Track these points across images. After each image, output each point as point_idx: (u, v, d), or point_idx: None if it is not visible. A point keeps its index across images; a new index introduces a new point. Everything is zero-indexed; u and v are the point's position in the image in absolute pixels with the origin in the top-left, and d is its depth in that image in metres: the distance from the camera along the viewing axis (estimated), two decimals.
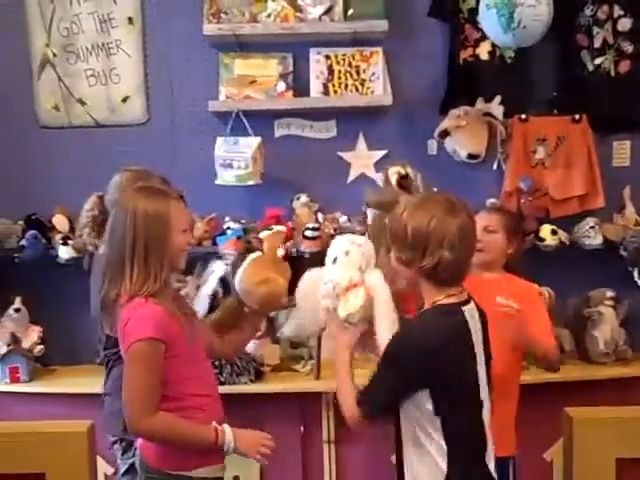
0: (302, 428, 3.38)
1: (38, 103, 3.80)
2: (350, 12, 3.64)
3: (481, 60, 3.74)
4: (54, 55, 3.79)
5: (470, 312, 2.05)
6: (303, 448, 3.38)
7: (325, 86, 3.72)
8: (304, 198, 3.70)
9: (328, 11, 3.66)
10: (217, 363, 3.17)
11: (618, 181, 3.77)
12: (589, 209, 3.72)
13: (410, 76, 3.78)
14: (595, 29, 3.70)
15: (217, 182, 3.58)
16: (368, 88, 3.70)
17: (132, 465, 2.50)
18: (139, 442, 2.26)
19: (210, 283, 3.01)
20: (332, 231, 3.57)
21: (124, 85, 3.81)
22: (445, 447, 1.98)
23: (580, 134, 3.70)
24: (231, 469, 2.40)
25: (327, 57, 3.72)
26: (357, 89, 3.71)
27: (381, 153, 3.79)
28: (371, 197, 3.04)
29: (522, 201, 3.66)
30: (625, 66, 3.71)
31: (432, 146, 3.81)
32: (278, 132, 3.81)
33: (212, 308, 2.80)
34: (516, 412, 2.74)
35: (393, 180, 3.17)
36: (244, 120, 3.61)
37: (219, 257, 3.22)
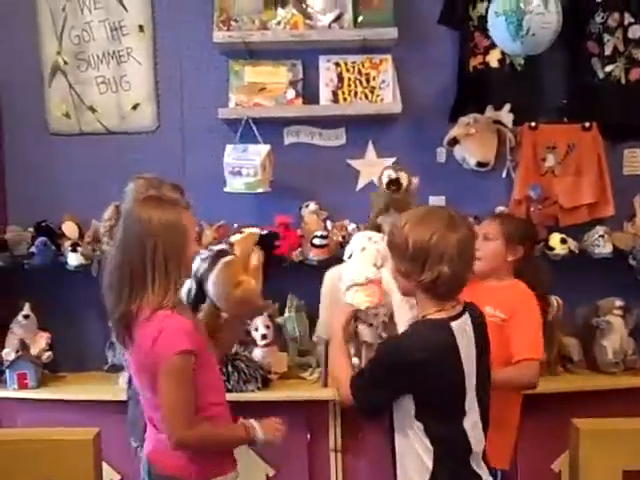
0: (309, 436, 3.37)
1: (49, 110, 3.82)
2: (360, 20, 3.64)
3: (491, 67, 3.72)
4: (65, 63, 3.81)
5: (460, 327, 2.08)
6: (310, 456, 3.37)
7: (335, 93, 3.71)
8: (313, 206, 3.70)
9: (338, 19, 3.65)
10: (224, 370, 3.18)
11: (629, 189, 3.76)
12: (599, 217, 3.71)
13: (420, 84, 3.77)
14: (606, 36, 3.68)
15: (226, 189, 3.59)
16: (378, 96, 3.70)
17: None
18: (148, 451, 2.27)
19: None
20: (341, 239, 3.57)
21: (134, 92, 3.82)
22: (431, 447, 2.05)
23: (590, 142, 3.68)
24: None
25: (337, 64, 3.72)
26: (367, 97, 3.70)
27: (390, 161, 3.78)
28: None
29: (531, 209, 3.64)
30: (636, 74, 3.68)
31: (441, 154, 3.80)
32: (287, 139, 3.81)
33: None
34: (517, 424, 2.73)
35: (383, 182, 3.20)
36: (253, 127, 3.62)
37: None
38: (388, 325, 2.41)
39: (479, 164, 3.64)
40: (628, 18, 3.66)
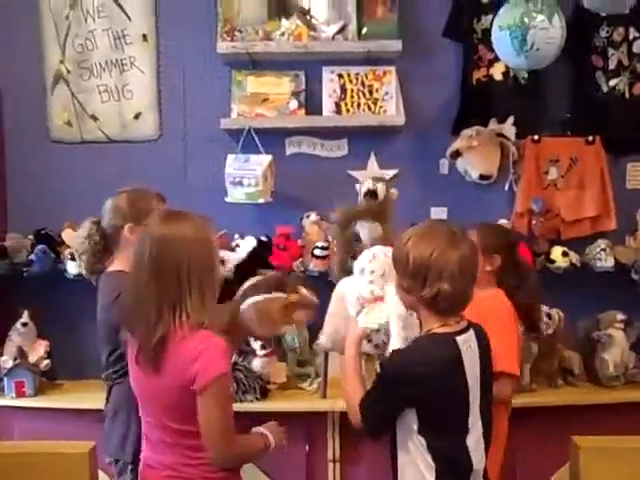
0: (307, 447, 3.35)
1: (50, 118, 3.82)
2: (364, 31, 3.64)
3: (494, 80, 3.72)
4: (68, 71, 3.81)
5: (465, 342, 2.08)
6: (308, 467, 3.34)
7: (337, 105, 3.71)
8: (314, 216, 3.68)
9: (342, 30, 3.66)
10: None
11: (632, 203, 3.76)
12: (601, 231, 3.70)
13: (423, 96, 3.77)
14: (610, 50, 3.68)
15: (227, 199, 3.57)
16: (381, 107, 3.69)
17: None
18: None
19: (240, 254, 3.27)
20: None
21: (137, 101, 3.82)
22: (433, 464, 2.04)
23: (593, 156, 3.68)
24: None
25: (340, 76, 3.72)
26: (370, 108, 3.70)
27: (392, 172, 3.77)
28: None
29: (533, 222, 3.64)
30: None
31: (444, 166, 3.79)
32: (289, 150, 3.81)
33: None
34: (505, 437, 2.71)
35: (361, 193, 3.19)
36: (255, 138, 3.61)
37: None
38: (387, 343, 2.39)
39: (481, 177, 3.63)
40: (633, 32, 3.68)
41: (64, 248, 3.57)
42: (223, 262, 3.32)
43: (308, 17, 3.69)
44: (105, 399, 2.69)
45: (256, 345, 3.44)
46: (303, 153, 3.81)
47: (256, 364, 3.42)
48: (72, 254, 3.47)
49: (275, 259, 3.52)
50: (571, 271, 3.57)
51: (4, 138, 3.83)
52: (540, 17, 3.10)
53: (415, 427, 2.04)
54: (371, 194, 3.26)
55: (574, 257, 3.57)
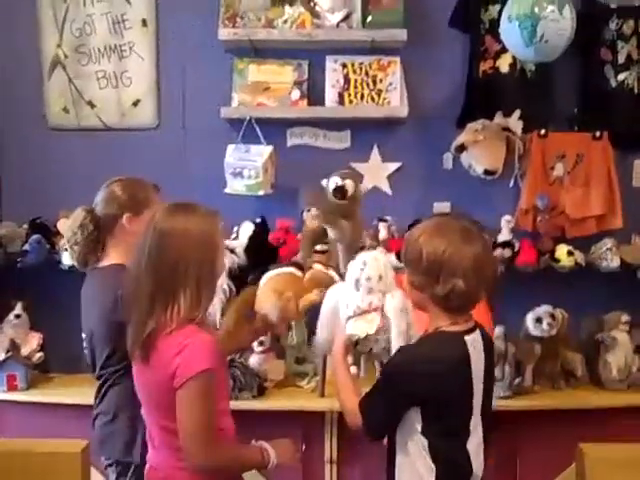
0: (304, 447, 3.27)
1: (47, 104, 3.74)
2: (369, 20, 3.56)
3: (501, 73, 3.63)
4: (65, 56, 3.72)
5: (473, 342, 2.05)
6: (304, 467, 3.27)
7: (340, 95, 3.63)
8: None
9: (346, 18, 3.58)
10: None
11: (638, 202, 3.68)
12: (607, 230, 3.62)
13: (427, 87, 3.69)
14: (620, 44, 3.60)
15: (226, 191, 3.50)
16: (384, 99, 3.61)
17: None
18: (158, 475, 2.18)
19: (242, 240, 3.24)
20: None
21: (135, 88, 3.74)
22: (433, 465, 2.02)
23: (600, 152, 3.60)
24: None
25: (344, 65, 3.64)
26: (373, 99, 3.62)
27: (395, 165, 3.71)
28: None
29: (538, 219, 3.57)
30: None
31: (448, 160, 3.71)
32: (290, 141, 3.73)
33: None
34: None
35: (330, 188, 3.12)
36: (256, 128, 3.54)
37: None
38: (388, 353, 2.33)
39: (486, 172, 3.55)
40: None
41: (59, 238, 3.48)
42: (233, 251, 3.27)
43: (312, 4, 3.60)
44: (96, 398, 2.58)
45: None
46: (305, 144, 3.73)
47: (253, 361, 3.36)
48: None
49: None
50: (576, 270, 3.49)
51: None
52: (551, 7, 3.02)
53: (419, 427, 2.01)
54: (339, 190, 3.16)
55: (579, 256, 3.49)
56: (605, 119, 3.62)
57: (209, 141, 3.66)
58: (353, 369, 3.46)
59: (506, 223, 3.54)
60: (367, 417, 2.08)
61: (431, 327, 2.09)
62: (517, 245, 3.51)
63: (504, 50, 3.55)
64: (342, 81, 3.64)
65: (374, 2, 3.58)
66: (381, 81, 3.63)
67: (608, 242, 3.51)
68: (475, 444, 2.07)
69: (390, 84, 3.62)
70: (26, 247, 3.46)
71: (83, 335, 2.60)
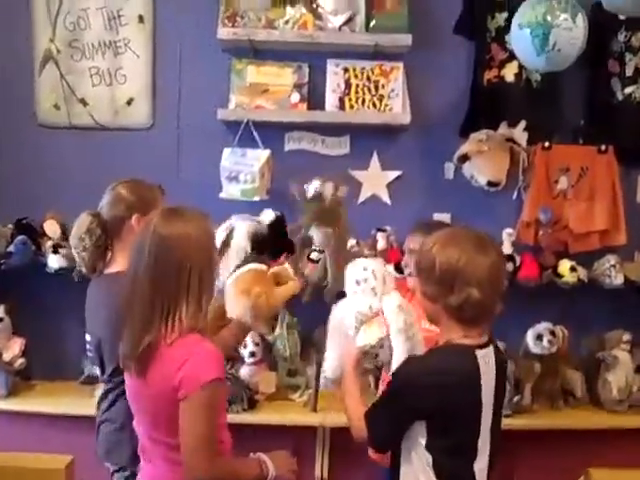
0: None
1: (37, 100, 3.61)
2: (372, 24, 3.46)
3: (506, 82, 3.55)
4: (58, 51, 3.60)
5: (485, 357, 1.98)
6: None
7: (341, 100, 3.53)
8: None
9: (349, 21, 3.49)
10: None
11: None
12: (609, 245, 3.54)
13: (430, 94, 3.60)
14: (628, 56, 3.53)
15: (221, 195, 3.39)
16: (386, 105, 3.52)
17: None
18: None
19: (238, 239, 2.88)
20: None
21: (130, 86, 3.62)
22: None
23: (605, 166, 3.53)
24: None
25: (345, 69, 3.54)
26: (375, 105, 3.52)
27: (395, 174, 3.62)
28: None
29: (540, 233, 3.49)
30: None
31: (449, 169, 3.62)
32: (288, 146, 3.62)
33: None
34: None
35: (308, 195, 3.07)
36: (254, 131, 3.44)
37: None
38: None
39: (490, 183, 3.46)
40: None
41: (46, 240, 3.37)
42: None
43: (314, 6, 3.51)
44: (101, 404, 2.51)
45: (245, 352, 3.28)
46: (303, 149, 3.63)
47: (244, 372, 3.26)
48: (55, 246, 3.31)
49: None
50: (578, 287, 3.41)
51: None
52: (564, 16, 2.94)
53: (423, 442, 1.94)
54: (317, 198, 3.08)
55: (582, 272, 3.41)
56: (610, 133, 3.56)
57: (205, 143, 3.55)
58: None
59: (507, 236, 3.45)
60: (372, 429, 2.02)
61: (442, 340, 2.02)
62: (518, 259, 3.42)
63: (510, 59, 3.49)
64: (343, 85, 3.54)
65: (378, 5, 3.49)
66: (383, 87, 3.53)
67: (611, 259, 3.44)
68: (481, 466, 2.00)
69: (392, 90, 3.53)
70: (11, 248, 3.34)
71: (87, 338, 2.52)
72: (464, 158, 3.45)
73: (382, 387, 2.30)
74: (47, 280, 3.34)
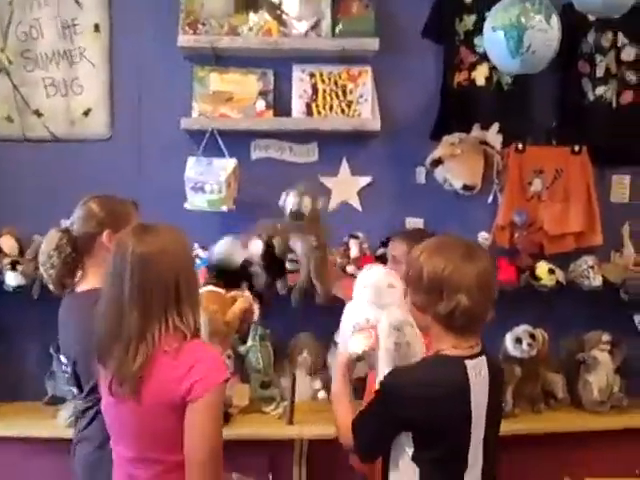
0: (270, 477, 3.04)
1: None
2: (338, 28, 3.39)
3: (476, 85, 3.48)
4: (9, 62, 3.44)
5: (475, 367, 1.95)
6: None
7: (308, 106, 3.43)
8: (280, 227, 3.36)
9: (314, 26, 3.40)
10: None
11: (616, 218, 3.57)
12: (585, 246, 3.49)
13: (399, 99, 3.53)
14: (598, 57, 3.49)
15: (186, 206, 3.26)
16: (355, 111, 3.43)
17: None
18: None
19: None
20: None
21: (86, 97, 3.47)
22: None
23: (579, 167, 3.49)
24: None
25: (311, 75, 3.45)
26: (343, 111, 3.43)
27: (366, 180, 3.53)
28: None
29: (516, 235, 3.44)
30: (628, 97, 3.49)
31: (420, 174, 3.54)
32: (255, 154, 3.51)
33: None
34: None
35: (287, 210, 3.07)
36: (219, 140, 3.32)
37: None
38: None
39: (465, 187, 3.38)
40: (622, 39, 3.48)
41: (2, 257, 3.19)
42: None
43: (278, 12, 3.42)
44: (78, 423, 2.42)
45: None
46: (270, 158, 3.51)
47: None
48: (12, 263, 3.13)
49: None
50: (556, 289, 3.35)
51: None
52: (538, 17, 2.88)
53: (410, 453, 1.93)
54: (296, 215, 3.06)
55: (560, 275, 3.35)
56: (583, 133, 3.51)
57: (167, 154, 3.42)
58: (322, 394, 3.29)
59: (483, 240, 3.37)
60: (358, 437, 2.00)
61: (432, 350, 2.01)
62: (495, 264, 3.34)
63: (480, 62, 3.45)
64: (310, 91, 3.45)
65: (344, 10, 3.43)
66: (351, 92, 3.45)
67: (589, 260, 3.39)
68: (474, 478, 1.95)
69: (361, 95, 3.44)
70: None
71: (63, 359, 2.47)
72: (437, 162, 3.37)
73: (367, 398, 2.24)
74: (5, 298, 3.18)
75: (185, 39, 3.33)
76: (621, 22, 3.31)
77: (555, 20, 2.96)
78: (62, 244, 2.38)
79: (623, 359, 3.42)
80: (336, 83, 3.44)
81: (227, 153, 3.32)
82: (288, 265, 3.17)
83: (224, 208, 3.26)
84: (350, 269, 3.26)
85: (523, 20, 2.89)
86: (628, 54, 3.48)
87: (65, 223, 2.49)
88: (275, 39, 3.36)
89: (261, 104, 3.42)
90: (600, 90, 3.49)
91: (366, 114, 3.44)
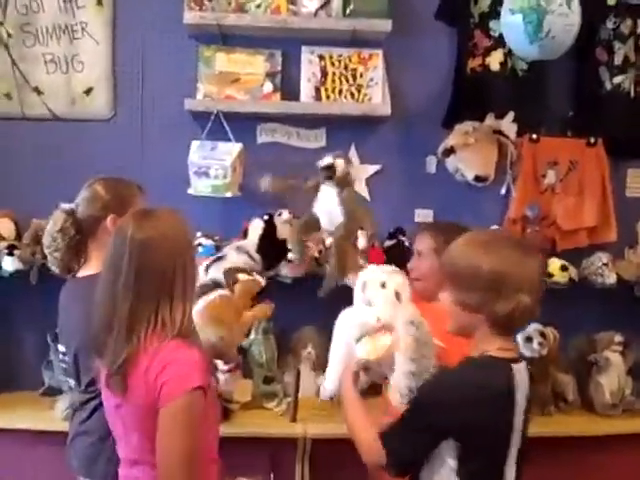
0: (272, 476, 2.95)
1: None
2: (350, 8, 3.25)
3: (491, 71, 3.36)
4: (9, 35, 3.31)
5: (520, 372, 1.85)
6: None
7: (317, 90, 3.31)
8: (286, 215, 3.23)
9: (325, 5, 3.27)
10: None
11: (631, 213, 3.48)
12: (599, 242, 3.40)
13: (411, 84, 3.41)
14: (616, 44, 3.37)
15: (189, 191, 3.15)
16: (365, 95, 3.31)
17: None
18: None
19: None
20: (317, 254, 3.18)
21: (88, 74, 3.34)
22: None
23: (594, 159, 3.38)
24: None
25: (321, 57, 3.32)
26: (352, 95, 3.31)
27: (374, 168, 3.42)
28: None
29: (528, 230, 3.33)
30: None
31: (431, 163, 3.43)
32: (261, 138, 3.39)
33: None
34: None
35: (319, 165, 2.78)
36: (224, 123, 3.20)
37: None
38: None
39: (477, 178, 3.26)
40: None
41: None
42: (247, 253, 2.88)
43: None
44: (77, 416, 2.35)
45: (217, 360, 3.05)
46: (276, 142, 3.40)
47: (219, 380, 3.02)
48: (9, 248, 3.03)
49: None
50: (568, 286, 3.25)
51: None
52: (559, 0, 2.75)
53: (451, 464, 1.81)
54: (328, 168, 2.75)
55: (573, 272, 3.25)
56: (599, 124, 3.40)
57: (170, 136, 3.31)
58: None
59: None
60: (391, 451, 1.84)
61: (475, 351, 1.87)
62: None
63: (495, 47, 3.33)
64: (319, 74, 3.32)
65: None
66: (361, 75, 3.32)
67: (603, 257, 3.29)
68: None
69: (371, 79, 3.32)
70: None
71: (61, 347, 2.44)
72: (449, 151, 3.25)
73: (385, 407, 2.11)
74: (1, 284, 3.09)
75: (190, 16, 3.19)
76: None
77: (576, 3, 2.85)
78: (67, 226, 2.34)
79: (635, 361, 3.33)
80: (346, 66, 3.32)
81: (232, 137, 3.21)
82: (290, 255, 3.03)
83: (229, 194, 3.15)
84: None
85: (543, 3, 2.78)
86: None
87: (65, 206, 2.40)
88: (284, 17, 3.23)
89: (268, 86, 3.30)
90: (618, 79, 3.38)
91: (376, 99, 3.32)
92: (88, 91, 3.36)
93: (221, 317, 2.26)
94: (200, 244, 3.11)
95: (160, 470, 1.81)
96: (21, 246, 3.07)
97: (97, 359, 1.97)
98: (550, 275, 3.22)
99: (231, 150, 3.16)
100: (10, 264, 3.02)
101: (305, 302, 3.09)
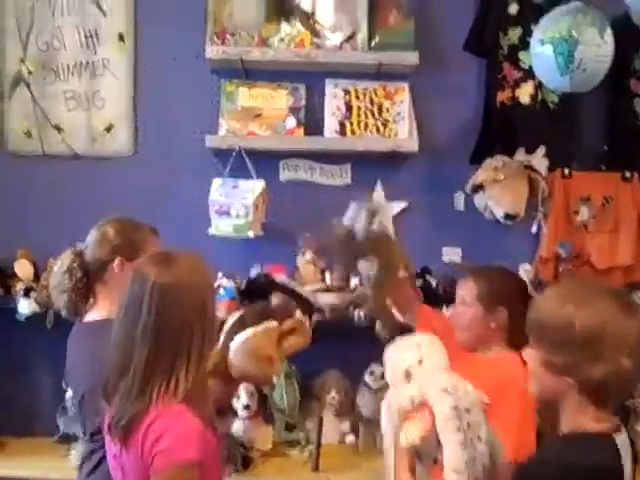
0: None
1: (7, 126, 3.30)
2: (375, 41, 3.18)
3: (521, 104, 3.24)
4: (29, 72, 3.28)
5: (624, 444, 1.61)
6: None
7: (342, 125, 3.23)
8: (310, 254, 3.17)
9: (350, 38, 3.20)
10: None
11: None
12: (635, 281, 3.25)
13: (439, 118, 3.31)
14: None
15: (210, 231, 3.07)
16: (391, 130, 3.22)
17: None
18: None
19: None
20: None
21: (109, 111, 3.30)
22: None
23: (630, 194, 3.26)
24: None
25: (346, 91, 3.24)
26: (378, 130, 3.23)
27: (401, 205, 3.32)
28: None
29: (560, 269, 3.19)
30: None
31: (459, 200, 3.33)
32: (284, 175, 3.32)
33: None
34: None
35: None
36: (246, 159, 3.13)
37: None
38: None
39: (507, 216, 3.13)
40: None
41: (16, 282, 3.04)
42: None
43: (312, 22, 3.22)
44: (83, 466, 2.23)
45: (238, 405, 2.95)
46: (300, 179, 3.32)
47: (237, 428, 2.94)
48: (26, 289, 3.00)
49: None
50: None
51: None
52: (591, 30, 2.66)
53: None
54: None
55: None
56: (635, 158, 3.28)
57: (191, 173, 3.25)
58: (351, 438, 3.08)
59: (525, 273, 3.15)
60: None
61: (568, 425, 1.64)
62: None
63: (525, 79, 3.22)
64: (344, 108, 3.24)
65: (381, 21, 3.22)
66: (388, 110, 3.24)
67: None
68: None
69: (398, 114, 3.24)
70: None
71: (68, 393, 2.43)
72: (478, 188, 3.15)
73: None
74: (17, 327, 3.03)
75: (213, 50, 3.13)
76: None
77: (609, 34, 2.75)
78: (74, 267, 2.26)
79: None
80: (371, 100, 3.24)
81: (254, 174, 3.13)
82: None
83: (251, 234, 3.06)
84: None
85: (574, 33, 2.68)
86: None
87: (81, 245, 2.34)
88: (308, 51, 3.16)
89: (291, 121, 3.23)
90: None
91: (403, 134, 3.23)
92: (109, 128, 3.31)
93: (266, 351, 2.09)
94: (221, 286, 3.02)
95: None
96: (38, 288, 3.01)
97: (104, 402, 1.86)
98: None
99: (253, 188, 3.08)
100: (27, 307, 2.96)
101: (329, 345, 2.99)
